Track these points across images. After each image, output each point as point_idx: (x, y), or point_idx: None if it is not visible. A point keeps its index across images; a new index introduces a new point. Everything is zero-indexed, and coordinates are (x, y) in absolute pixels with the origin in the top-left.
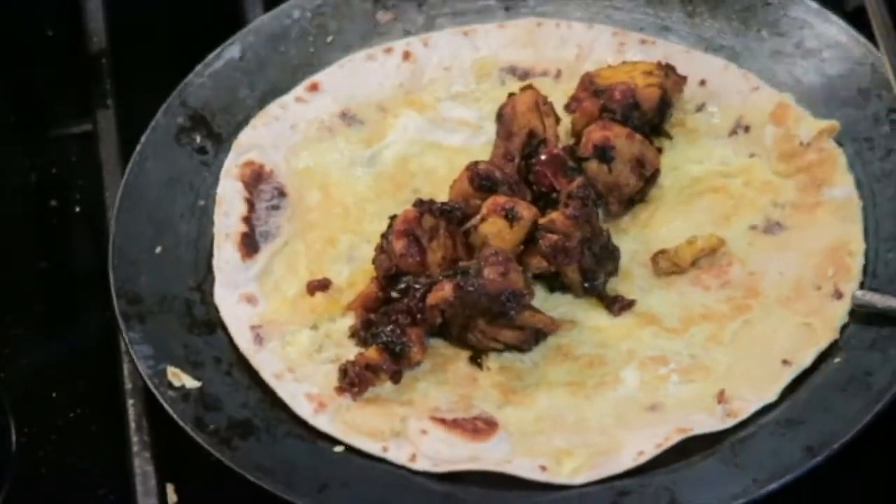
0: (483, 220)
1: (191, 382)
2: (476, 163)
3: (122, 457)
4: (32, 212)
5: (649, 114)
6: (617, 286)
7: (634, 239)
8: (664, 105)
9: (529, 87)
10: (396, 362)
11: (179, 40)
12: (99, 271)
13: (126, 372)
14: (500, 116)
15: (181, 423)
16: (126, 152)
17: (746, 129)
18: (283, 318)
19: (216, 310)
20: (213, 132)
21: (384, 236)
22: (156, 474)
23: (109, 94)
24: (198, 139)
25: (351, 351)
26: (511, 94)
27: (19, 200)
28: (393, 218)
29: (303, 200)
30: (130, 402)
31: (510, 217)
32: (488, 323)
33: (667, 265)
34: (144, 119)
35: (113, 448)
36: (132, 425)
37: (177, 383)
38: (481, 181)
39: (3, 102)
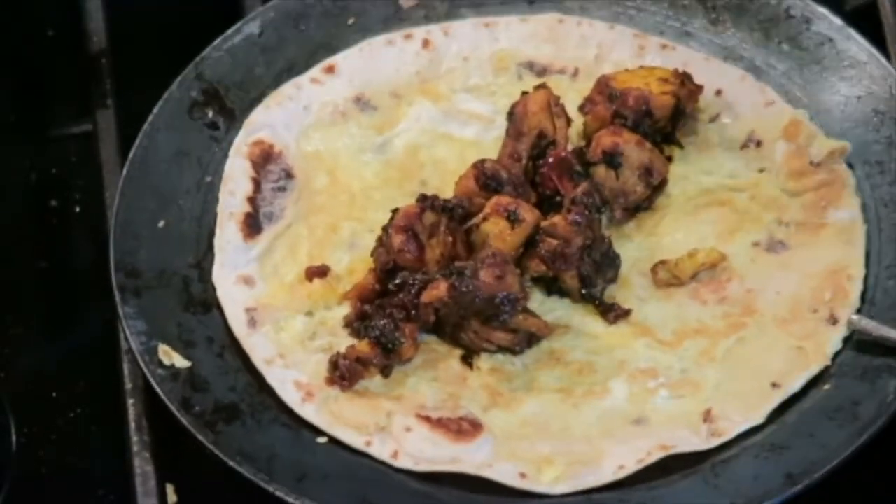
0: (485, 219)
1: (181, 362)
2: (483, 161)
3: (122, 457)
4: (32, 212)
5: (661, 122)
6: (615, 293)
7: (638, 247)
8: (677, 114)
9: (543, 86)
10: (387, 357)
11: (179, 40)
12: (99, 271)
13: (126, 372)
14: (510, 115)
15: (167, 402)
16: (126, 152)
17: (758, 143)
18: (278, 302)
19: (213, 289)
20: (225, 108)
21: (385, 229)
22: (156, 474)
23: (109, 94)
24: (210, 114)
25: (344, 341)
26: (525, 93)
27: (19, 200)
28: (395, 211)
29: (310, 183)
30: (130, 401)
31: (512, 218)
32: (482, 324)
33: (666, 276)
34: (145, 119)
35: (113, 448)
36: (132, 425)
37: (167, 362)
38: (487, 180)
39: (3, 102)
